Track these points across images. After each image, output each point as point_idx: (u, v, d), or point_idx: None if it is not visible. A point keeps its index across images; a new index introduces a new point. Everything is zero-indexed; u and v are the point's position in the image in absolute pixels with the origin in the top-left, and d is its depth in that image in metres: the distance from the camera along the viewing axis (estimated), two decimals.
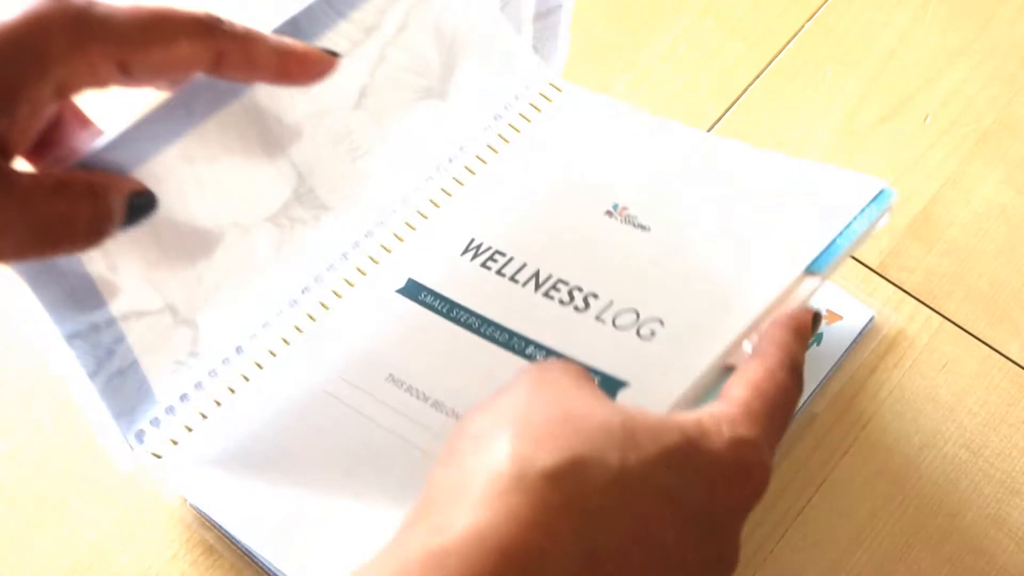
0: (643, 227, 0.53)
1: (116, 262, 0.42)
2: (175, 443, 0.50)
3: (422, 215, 0.55)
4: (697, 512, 0.36)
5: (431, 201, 0.55)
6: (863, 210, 0.49)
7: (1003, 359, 0.55)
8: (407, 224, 0.55)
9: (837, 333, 0.55)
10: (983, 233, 0.58)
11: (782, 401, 0.39)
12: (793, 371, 0.41)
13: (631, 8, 0.65)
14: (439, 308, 0.52)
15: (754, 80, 0.63)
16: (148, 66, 0.36)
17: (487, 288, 0.52)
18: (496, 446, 0.35)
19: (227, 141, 0.43)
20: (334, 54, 0.41)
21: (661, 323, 0.49)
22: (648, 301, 0.50)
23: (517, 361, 0.50)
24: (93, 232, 0.38)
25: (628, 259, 0.52)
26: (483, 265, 0.53)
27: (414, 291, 0.53)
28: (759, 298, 0.47)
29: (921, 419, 0.54)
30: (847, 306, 0.55)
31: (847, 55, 0.64)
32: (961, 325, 0.56)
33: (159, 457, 0.49)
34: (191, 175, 0.42)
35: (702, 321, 0.48)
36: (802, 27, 0.65)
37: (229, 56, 0.38)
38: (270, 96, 0.44)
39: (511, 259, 0.53)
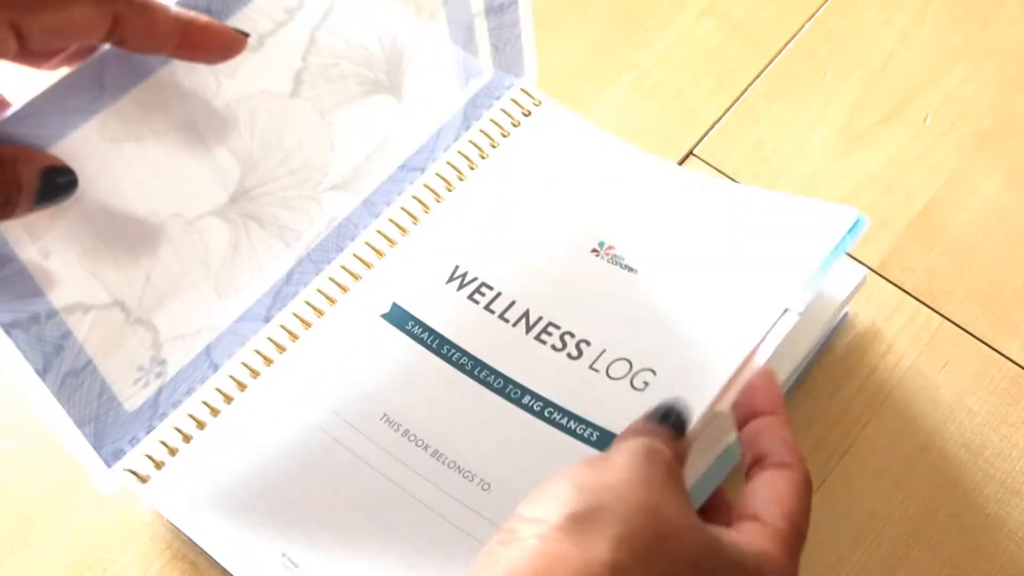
0: (630, 268, 0.53)
1: (48, 247, 0.42)
2: (159, 466, 0.49)
3: (400, 228, 0.55)
4: None
5: (408, 213, 0.55)
6: (839, 243, 0.50)
7: (1003, 359, 0.55)
8: (385, 237, 0.55)
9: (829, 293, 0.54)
10: (983, 233, 0.58)
11: (806, 528, 0.41)
12: (810, 485, 0.42)
13: (631, 8, 0.65)
14: (428, 342, 0.52)
15: (754, 80, 0.63)
16: (43, 30, 0.36)
17: (477, 325, 0.52)
18: (597, 542, 0.34)
19: (151, 121, 0.43)
20: (243, 33, 0.41)
21: (653, 373, 0.50)
22: (640, 349, 0.51)
23: (514, 410, 0.50)
24: (2, 203, 0.37)
25: (617, 303, 0.52)
26: (470, 298, 0.53)
27: (400, 319, 0.53)
28: (744, 341, 0.48)
29: (921, 419, 0.54)
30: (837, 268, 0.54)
31: (847, 55, 0.64)
32: (961, 325, 0.56)
33: (144, 480, 0.49)
34: (118, 157, 0.42)
35: (692, 368, 0.49)
36: (802, 27, 0.65)
37: (127, 23, 0.37)
38: (190, 75, 0.43)
39: (499, 294, 0.53)
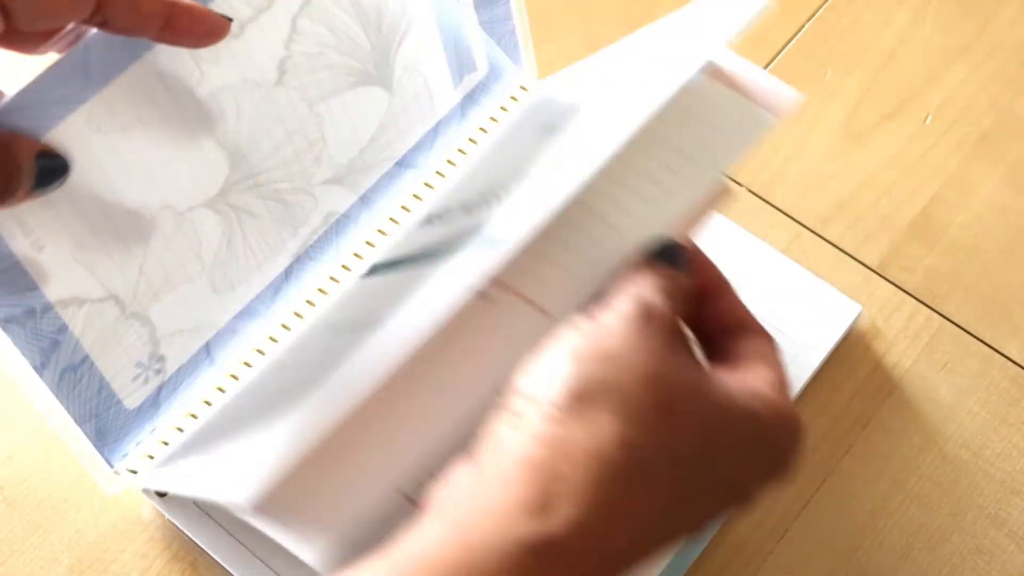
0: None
1: (41, 239, 0.42)
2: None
3: (394, 221, 0.55)
4: (744, 488, 0.38)
5: (408, 211, 0.55)
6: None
7: (1003, 359, 0.55)
8: (385, 235, 0.54)
9: (824, 326, 0.54)
10: (983, 233, 0.58)
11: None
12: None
13: (631, 8, 0.65)
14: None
15: None
16: (27, 6, 0.36)
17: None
18: (603, 421, 0.34)
19: (137, 111, 0.43)
20: (226, 18, 0.41)
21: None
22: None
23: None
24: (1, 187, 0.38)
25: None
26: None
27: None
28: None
29: (921, 419, 0.54)
30: (835, 301, 0.55)
31: (847, 55, 0.64)
32: (961, 325, 0.56)
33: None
34: (105, 145, 0.42)
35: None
36: (802, 27, 0.65)
37: (111, 3, 0.38)
38: (174, 63, 0.43)
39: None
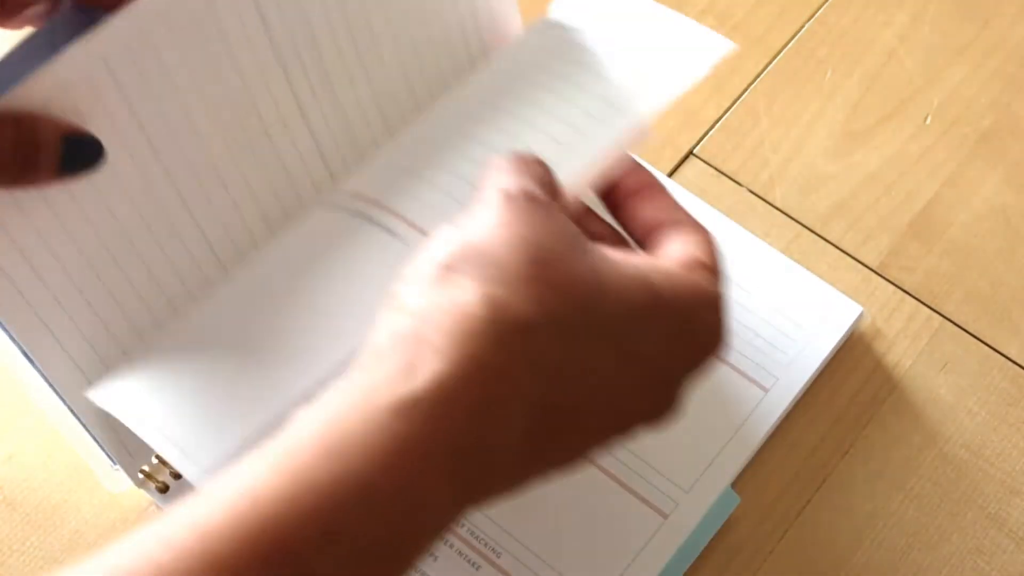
0: None
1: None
2: (177, 476, 0.49)
3: None
4: (654, 367, 0.36)
5: None
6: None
7: (1003, 359, 0.55)
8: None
9: (825, 326, 0.54)
10: (983, 233, 0.58)
11: (721, 264, 0.39)
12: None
13: None
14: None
15: (754, 80, 0.63)
16: None
17: None
18: (466, 284, 0.34)
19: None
20: None
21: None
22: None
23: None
24: (21, 163, 0.37)
25: None
26: None
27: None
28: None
29: (921, 419, 0.54)
30: (836, 302, 0.55)
31: (847, 55, 0.64)
32: (961, 325, 0.56)
33: (161, 489, 0.49)
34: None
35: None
36: (802, 27, 0.65)
37: None
38: None
39: None
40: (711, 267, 0.38)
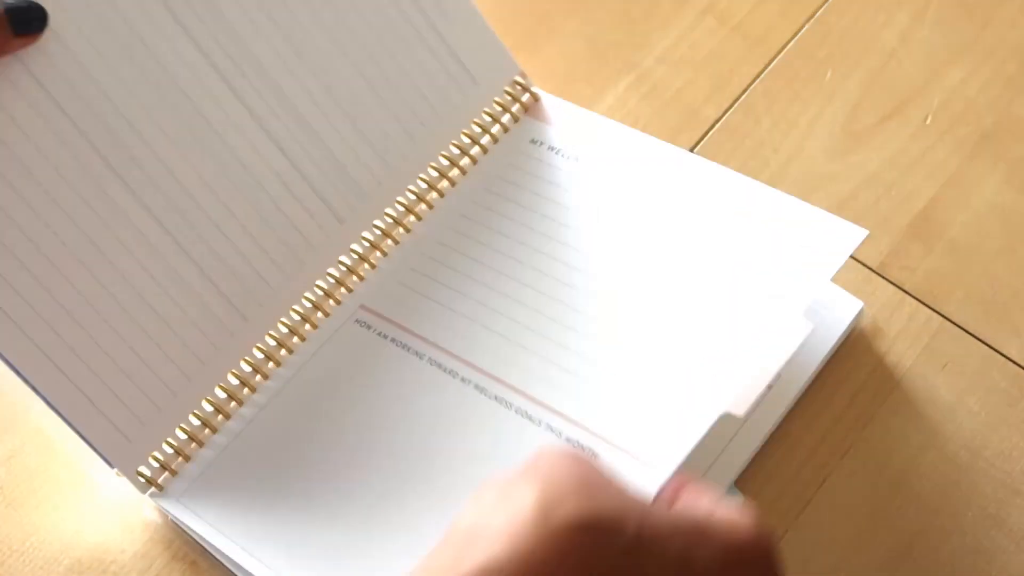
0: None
1: None
2: (174, 473, 0.50)
3: (381, 249, 0.55)
4: None
5: (399, 223, 0.55)
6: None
7: (1003, 359, 0.55)
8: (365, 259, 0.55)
9: (826, 323, 0.54)
10: (983, 233, 0.59)
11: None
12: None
13: (631, 8, 0.65)
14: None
15: (754, 80, 0.63)
16: None
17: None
18: (522, 493, 0.35)
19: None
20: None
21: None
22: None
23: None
24: None
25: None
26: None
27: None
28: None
29: (921, 419, 0.54)
30: (836, 298, 0.55)
31: (847, 55, 0.64)
32: (961, 325, 0.56)
33: (158, 488, 0.50)
34: None
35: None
36: (802, 27, 0.65)
37: None
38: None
39: None
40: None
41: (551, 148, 0.57)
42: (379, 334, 0.53)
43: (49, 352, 0.47)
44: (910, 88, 0.63)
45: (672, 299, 0.52)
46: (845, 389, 0.54)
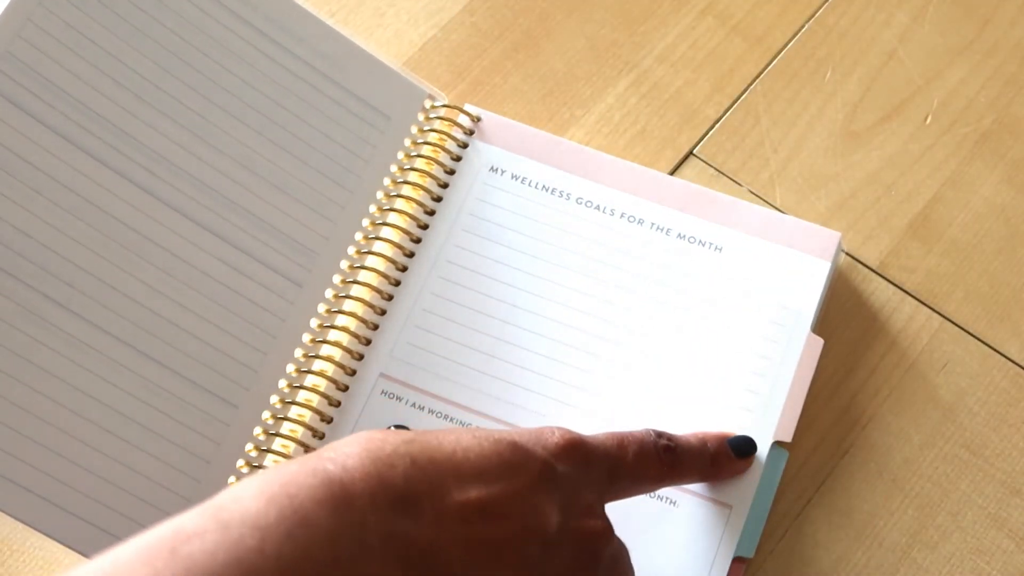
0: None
1: None
2: None
3: (375, 306, 0.54)
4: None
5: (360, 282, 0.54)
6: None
7: (1003, 359, 0.55)
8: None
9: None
10: (983, 233, 0.58)
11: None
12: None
13: (631, 8, 0.65)
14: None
15: (754, 80, 0.63)
16: None
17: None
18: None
19: None
20: None
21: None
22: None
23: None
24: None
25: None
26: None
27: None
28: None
29: (921, 419, 0.54)
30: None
31: (847, 55, 0.64)
32: (961, 325, 0.56)
33: None
34: None
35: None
36: (802, 27, 0.65)
37: None
38: None
39: None
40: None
41: (514, 177, 0.57)
42: (413, 405, 0.52)
43: (46, 495, 0.46)
44: (910, 88, 0.63)
45: (680, 331, 0.53)
46: (845, 389, 0.54)
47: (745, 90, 0.63)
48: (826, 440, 0.53)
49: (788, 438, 0.51)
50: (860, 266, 0.57)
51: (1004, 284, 0.57)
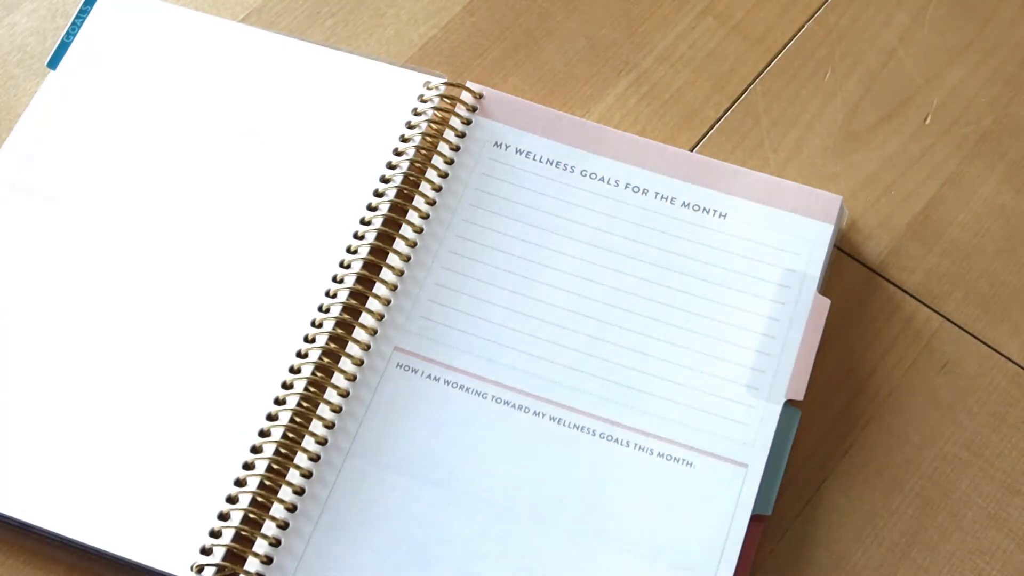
0: None
1: None
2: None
3: (391, 285, 0.54)
4: None
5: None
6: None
7: (1003, 359, 0.55)
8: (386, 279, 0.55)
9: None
10: (983, 233, 0.59)
11: None
12: None
13: (631, 8, 0.65)
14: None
15: (754, 80, 0.63)
16: None
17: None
18: None
19: None
20: None
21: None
22: None
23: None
24: None
25: None
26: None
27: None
28: None
29: (921, 419, 0.54)
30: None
31: (847, 55, 0.64)
32: (961, 325, 0.56)
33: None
34: None
35: None
36: (802, 27, 0.65)
37: None
38: None
39: None
40: None
41: (518, 151, 0.57)
42: (429, 377, 0.52)
43: None
44: (910, 88, 0.63)
45: (689, 296, 0.54)
46: (845, 389, 0.54)
47: (745, 90, 0.63)
48: (826, 440, 0.53)
49: (800, 397, 0.52)
50: (860, 266, 0.57)
51: (1004, 284, 0.57)
